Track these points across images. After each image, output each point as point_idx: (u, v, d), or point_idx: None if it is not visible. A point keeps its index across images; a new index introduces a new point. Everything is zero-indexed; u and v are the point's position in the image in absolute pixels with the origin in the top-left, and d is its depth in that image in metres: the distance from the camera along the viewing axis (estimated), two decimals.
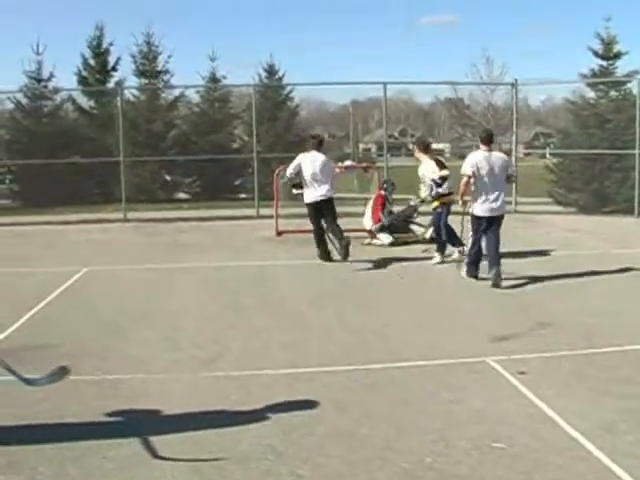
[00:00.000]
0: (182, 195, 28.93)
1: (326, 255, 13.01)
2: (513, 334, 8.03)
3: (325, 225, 13.09)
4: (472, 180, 10.94)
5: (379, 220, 15.05)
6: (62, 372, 5.66)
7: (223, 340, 8.06)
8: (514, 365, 6.90)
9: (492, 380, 6.59)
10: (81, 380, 6.59)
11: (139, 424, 5.69)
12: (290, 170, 13.32)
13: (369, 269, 12.13)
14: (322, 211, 13.06)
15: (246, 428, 5.51)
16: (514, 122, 21.99)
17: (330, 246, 12.92)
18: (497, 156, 11.23)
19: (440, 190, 12.63)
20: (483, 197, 10.94)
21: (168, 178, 28.94)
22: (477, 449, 5.12)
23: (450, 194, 12.49)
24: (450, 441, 5.24)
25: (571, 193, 23.17)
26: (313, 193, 13.07)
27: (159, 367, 7.12)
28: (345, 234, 12.98)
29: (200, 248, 14.83)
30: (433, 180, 12.68)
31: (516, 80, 21.91)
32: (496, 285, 10.63)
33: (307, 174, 13.04)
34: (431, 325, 8.63)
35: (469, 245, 11.45)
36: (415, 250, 13.81)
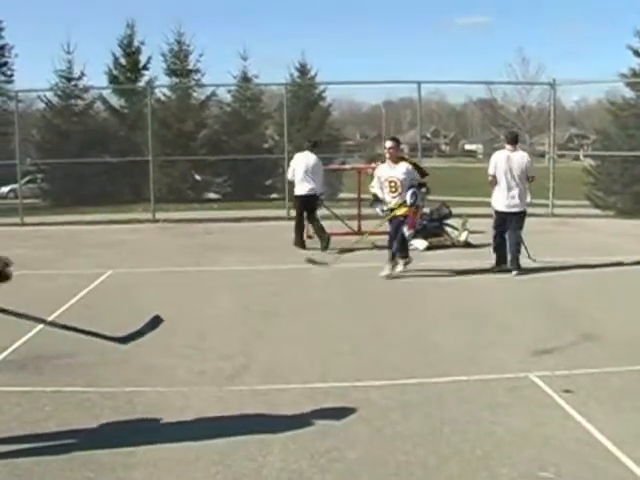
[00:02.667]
0: (212, 195, 28.72)
1: (301, 242, 14.65)
2: (556, 347, 7.56)
3: (307, 217, 14.76)
4: (494, 178, 11.92)
5: (413, 226, 14.56)
6: (156, 321, 5.86)
7: (250, 350, 7.67)
8: (558, 382, 6.43)
9: (535, 399, 6.11)
10: (95, 392, 6.27)
11: (153, 441, 5.30)
12: (289, 175, 15.24)
13: (402, 276, 11.63)
14: (304, 205, 14.64)
15: (270, 451, 5.10)
16: (551, 123, 21.40)
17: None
18: (518, 155, 11.91)
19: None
20: (501, 193, 11.85)
21: (198, 178, 28.75)
22: (523, 478, 4.68)
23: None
24: (493, 469, 4.80)
25: (610, 196, 22.60)
26: (301, 188, 14.69)
27: (181, 379, 6.74)
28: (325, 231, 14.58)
29: (229, 250, 14.51)
30: (417, 186, 11.57)
31: (554, 80, 21.36)
32: (517, 268, 11.66)
33: (299, 171, 14.69)
34: (469, 337, 8.14)
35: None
36: (449, 256, 13.34)
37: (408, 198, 11.33)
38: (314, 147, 15.08)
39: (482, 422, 5.59)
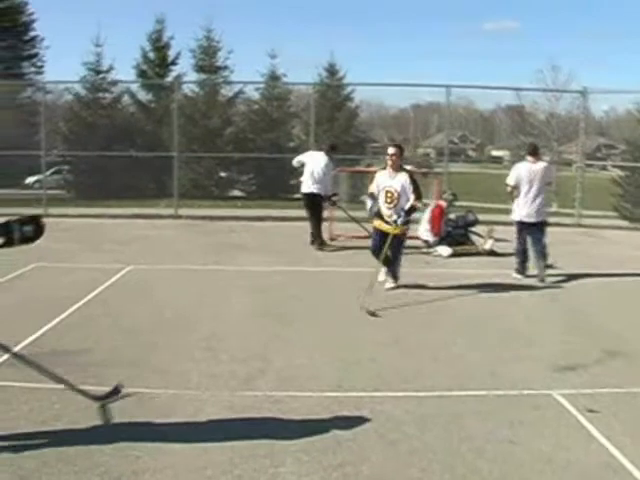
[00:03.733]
0: (237, 193, 28.61)
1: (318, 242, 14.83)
2: (580, 364, 7.34)
3: (309, 216, 14.99)
4: (514, 189, 12.00)
5: (439, 233, 14.38)
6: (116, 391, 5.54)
7: (266, 354, 7.51)
8: (582, 401, 6.21)
9: (558, 418, 5.90)
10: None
11: (161, 446, 5.16)
12: (295, 160, 15.70)
13: (423, 283, 11.41)
14: (306, 203, 14.98)
15: (282, 462, 4.94)
16: (581, 132, 21.10)
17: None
18: (540, 166, 12.00)
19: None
20: (522, 204, 11.91)
21: (223, 175, 28.65)
22: None
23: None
24: None
25: (638, 208, 22.28)
26: (305, 186, 14.97)
27: (193, 382, 6.59)
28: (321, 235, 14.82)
29: (251, 250, 14.35)
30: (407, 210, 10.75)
31: (585, 88, 21.02)
32: (541, 280, 11.65)
33: (307, 169, 14.95)
34: (491, 349, 7.92)
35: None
36: (473, 264, 13.16)
37: (394, 216, 10.62)
38: (331, 150, 15.16)
39: (502, 441, 5.40)
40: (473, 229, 14.89)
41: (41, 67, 39.61)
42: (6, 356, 5.74)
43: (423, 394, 6.40)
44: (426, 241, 14.50)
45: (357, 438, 5.38)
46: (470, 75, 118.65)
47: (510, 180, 12.07)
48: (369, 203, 11.08)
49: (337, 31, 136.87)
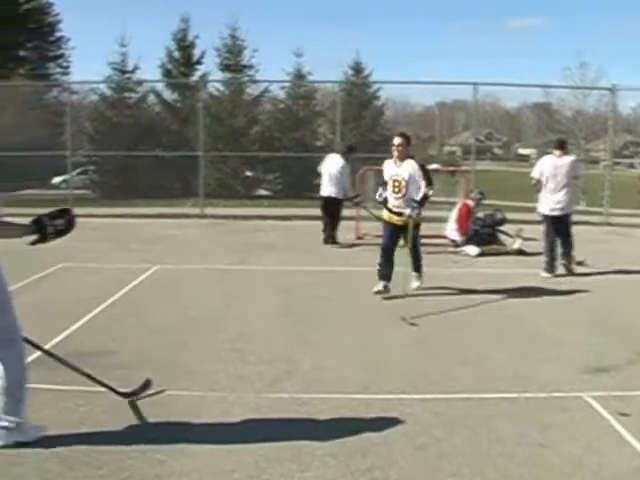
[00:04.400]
0: (262, 192, 28.60)
1: (330, 239, 15.14)
2: (611, 365, 7.21)
3: (327, 219, 15.29)
4: (537, 183, 12.19)
5: (466, 232, 14.26)
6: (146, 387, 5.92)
7: (293, 355, 7.44)
8: (614, 404, 6.09)
9: (590, 421, 5.78)
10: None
11: (187, 449, 5.11)
12: (319, 168, 15.74)
13: (450, 284, 11.31)
14: (323, 206, 15.37)
15: (309, 466, 4.87)
16: (610, 129, 20.89)
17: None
18: (565, 160, 12.08)
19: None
20: (547, 198, 12.08)
21: (249, 174, 28.66)
22: None
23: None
24: None
25: None
26: (323, 190, 15.37)
27: (220, 384, 6.54)
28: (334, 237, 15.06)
29: (277, 249, 14.33)
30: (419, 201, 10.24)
31: (614, 85, 20.81)
32: (569, 270, 12.08)
33: (324, 172, 15.34)
34: (520, 350, 7.79)
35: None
36: (501, 263, 13.04)
37: (408, 210, 10.10)
38: (348, 152, 15.49)
39: (532, 444, 5.30)
40: (501, 228, 14.75)
41: (67, 67, 40.02)
42: (36, 354, 5.75)
43: (451, 396, 6.31)
44: (453, 240, 14.40)
45: (385, 441, 5.31)
46: (496, 73, 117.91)
47: (535, 173, 12.26)
48: (380, 191, 10.64)
49: (362, 29, 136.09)
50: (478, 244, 14.08)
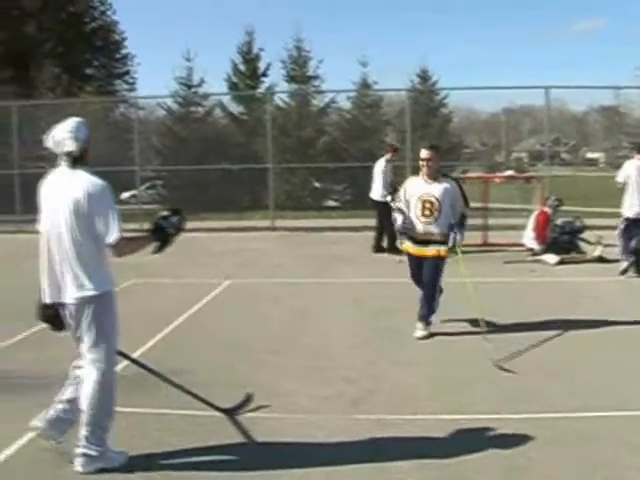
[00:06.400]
0: (331, 203, 28.42)
1: (376, 247, 15.17)
2: None
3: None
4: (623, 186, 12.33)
5: (544, 240, 13.80)
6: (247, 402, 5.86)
7: (375, 373, 7.13)
8: None
9: None
10: (208, 417, 5.83)
11: (268, 476, 4.84)
12: None
13: (529, 293, 10.88)
14: (374, 209, 15.42)
15: None
16: None
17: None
18: None
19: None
20: (630, 201, 12.23)
21: (317, 185, 28.51)
22: None
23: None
24: None
25: None
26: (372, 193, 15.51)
27: (301, 405, 6.24)
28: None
29: (351, 261, 14.07)
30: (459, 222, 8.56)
31: None
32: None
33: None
34: (613, 365, 7.29)
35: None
36: (581, 271, 12.56)
37: (451, 240, 8.33)
38: (391, 152, 15.79)
39: (638, 469, 4.88)
40: (581, 236, 14.26)
41: (133, 84, 40.40)
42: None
43: (545, 415, 5.90)
44: (531, 249, 13.95)
45: (480, 466, 4.94)
46: (561, 77, 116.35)
47: (619, 177, 12.52)
48: (399, 220, 8.64)
49: (427, 37, 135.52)
50: (557, 252, 13.63)
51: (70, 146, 4.82)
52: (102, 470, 4.86)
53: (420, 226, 8.46)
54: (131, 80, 41.02)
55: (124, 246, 4.85)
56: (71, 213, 4.72)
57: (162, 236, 5.07)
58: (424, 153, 8.44)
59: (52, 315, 4.94)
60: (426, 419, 5.87)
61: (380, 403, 6.30)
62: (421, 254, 8.54)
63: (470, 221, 16.07)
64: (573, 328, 8.74)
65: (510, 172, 18.31)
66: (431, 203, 8.36)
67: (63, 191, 4.79)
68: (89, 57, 39.21)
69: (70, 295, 4.81)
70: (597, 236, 14.00)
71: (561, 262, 13.36)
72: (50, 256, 4.84)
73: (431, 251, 8.44)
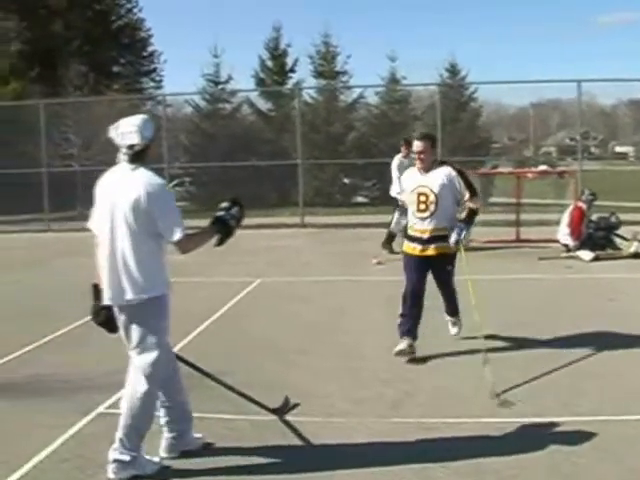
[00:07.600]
0: (360, 199, 28.28)
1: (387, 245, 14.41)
2: None
3: None
4: None
5: (579, 236, 13.55)
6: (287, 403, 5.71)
7: (411, 375, 6.99)
8: None
9: None
10: (244, 420, 5.76)
11: None
12: None
13: (564, 291, 10.66)
14: None
15: None
16: None
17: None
18: None
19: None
20: None
21: (346, 181, 28.37)
22: None
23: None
24: None
25: None
26: None
27: (339, 408, 6.11)
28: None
29: (381, 258, 13.83)
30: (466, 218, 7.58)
31: None
32: None
33: None
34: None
35: None
36: (618, 268, 12.33)
37: (453, 236, 7.38)
38: (405, 147, 14.89)
39: None
40: (617, 232, 14.01)
41: (160, 81, 40.45)
42: None
43: (589, 418, 5.71)
44: (566, 245, 13.72)
45: (523, 472, 4.80)
46: (589, 70, 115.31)
47: None
48: (403, 222, 8.31)
49: (455, 32, 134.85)
50: (592, 248, 13.41)
51: (134, 139, 4.83)
52: (135, 477, 4.78)
53: (417, 223, 7.58)
54: (158, 78, 41.07)
55: (188, 242, 4.84)
56: (130, 212, 4.68)
57: (224, 228, 5.10)
58: (416, 145, 7.51)
59: (109, 317, 4.88)
60: (465, 422, 5.73)
61: (419, 405, 6.17)
62: (421, 254, 7.62)
63: (502, 217, 16.04)
64: (609, 327, 8.47)
65: (544, 167, 18.00)
66: (426, 196, 7.44)
67: (122, 189, 4.76)
68: (116, 55, 39.25)
69: (126, 296, 4.75)
70: (633, 232, 13.77)
71: (596, 258, 13.14)
72: (110, 256, 4.78)
73: (431, 250, 7.55)
